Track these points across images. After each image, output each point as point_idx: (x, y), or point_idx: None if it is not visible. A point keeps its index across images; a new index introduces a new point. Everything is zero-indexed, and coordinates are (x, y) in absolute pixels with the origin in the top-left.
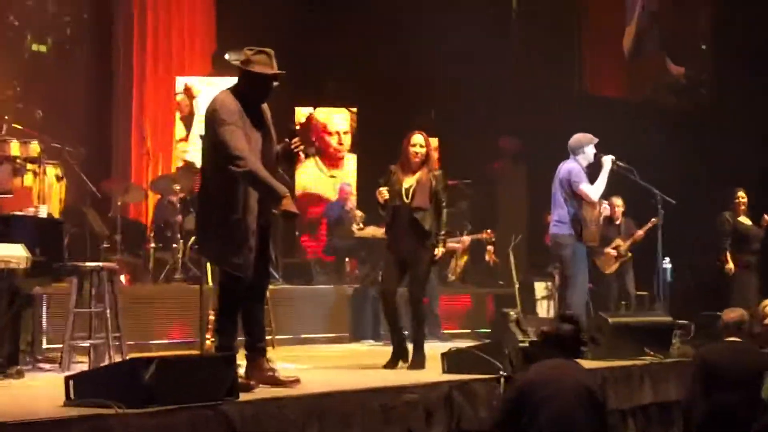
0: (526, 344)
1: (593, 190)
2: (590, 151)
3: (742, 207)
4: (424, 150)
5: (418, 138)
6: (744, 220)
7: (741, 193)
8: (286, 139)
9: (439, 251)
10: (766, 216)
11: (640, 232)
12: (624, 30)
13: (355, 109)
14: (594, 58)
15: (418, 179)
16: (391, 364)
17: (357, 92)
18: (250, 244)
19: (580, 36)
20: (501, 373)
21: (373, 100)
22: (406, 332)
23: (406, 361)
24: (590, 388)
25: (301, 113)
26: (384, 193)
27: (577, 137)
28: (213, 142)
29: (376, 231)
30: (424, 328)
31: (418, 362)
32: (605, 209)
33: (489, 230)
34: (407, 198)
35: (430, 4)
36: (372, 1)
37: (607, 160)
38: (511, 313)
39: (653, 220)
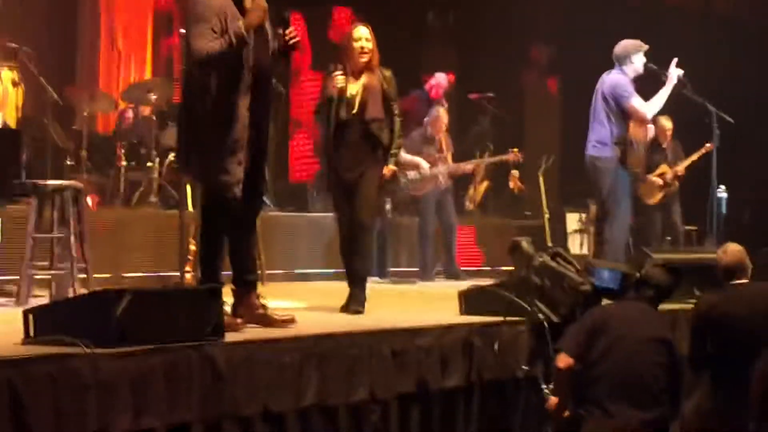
0: (588, 287)
1: (647, 107)
2: (639, 60)
3: None
4: (371, 45)
5: (363, 31)
6: None
7: None
8: (279, 31)
9: (388, 170)
10: None
11: (693, 158)
12: None
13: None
14: None
15: (365, 84)
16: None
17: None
18: (238, 158)
19: None
20: (552, 319)
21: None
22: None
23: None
24: (669, 341)
25: None
26: (340, 80)
27: (624, 44)
28: (187, 41)
29: None
30: (369, 262)
31: (356, 303)
32: (650, 130)
33: (516, 150)
34: (356, 108)
35: None
36: None
37: (673, 74)
38: (524, 243)
39: (707, 145)
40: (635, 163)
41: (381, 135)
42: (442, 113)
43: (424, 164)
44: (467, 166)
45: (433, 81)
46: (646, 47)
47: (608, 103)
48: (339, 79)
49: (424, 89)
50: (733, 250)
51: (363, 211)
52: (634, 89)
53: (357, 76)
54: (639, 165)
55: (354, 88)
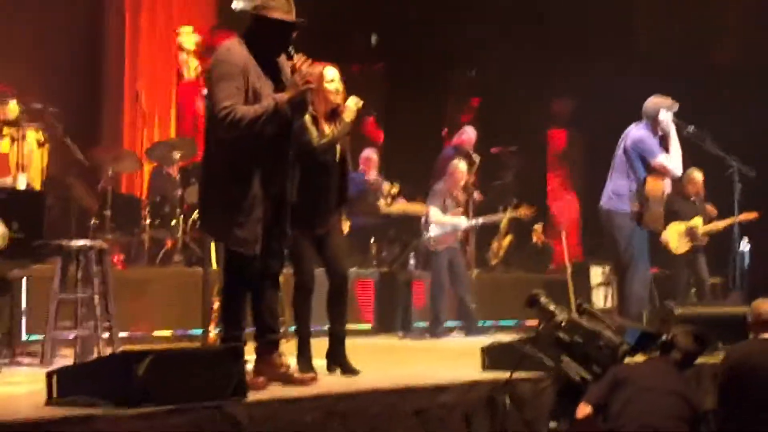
0: (627, 347)
1: (675, 163)
2: (667, 118)
3: None
4: (342, 87)
5: (334, 72)
6: None
7: None
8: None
9: (347, 225)
10: None
11: (733, 221)
12: None
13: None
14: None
15: (338, 129)
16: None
17: (384, 46)
18: (257, 216)
19: None
20: (584, 376)
21: (402, 55)
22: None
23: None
24: (690, 398)
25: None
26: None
27: (654, 100)
28: (211, 101)
29: (407, 206)
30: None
31: (338, 359)
32: (667, 186)
33: (529, 206)
34: (337, 155)
35: None
36: None
37: (669, 121)
38: (542, 297)
39: (754, 213)
40: (651, 221)
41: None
42: (460, 166)
43: (463, 222)
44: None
45: (464, 135)
46: (676, 106)
47: (630, 157)
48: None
49: (453, 145)
50: (763, 304)
51: (343, 260)
52: (658, 145)
53: (327, 119)
54: (655, 222)
55: (329, 131)
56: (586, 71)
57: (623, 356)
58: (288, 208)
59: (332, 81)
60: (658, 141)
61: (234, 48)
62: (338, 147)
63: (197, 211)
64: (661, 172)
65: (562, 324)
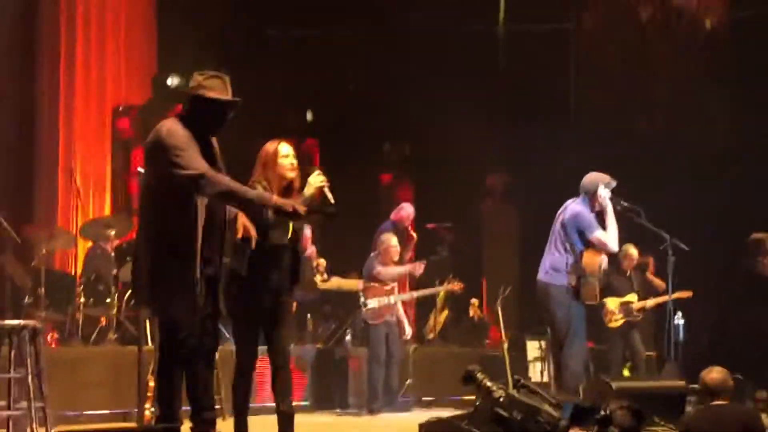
0: (566, 423)
1: (611, 239)
2: (605, 193)
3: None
4: (296, 162)
5: (288, 148)
6: None
7: None
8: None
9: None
10: None
11: (666, 299)
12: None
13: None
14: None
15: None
16: None
17: (317, 122)
18: (195, 294)
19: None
20: None
21: (337, 131)
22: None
23: None
24: None
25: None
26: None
27: (592, 176)
28: (159, 175)
29: (343, 282)
30: None
31: None
32: (604, 261)
33: (456, 281)
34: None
35: (403, 20)
36: (339, 15)
37: (607, 197)
38: (478, 373)
39: (684, 293)
40: (589, 296)
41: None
42: (391, 240)
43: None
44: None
45: (402, 211)
46: (614, 183)
47: (567, 232)
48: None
49: (391, 221)
50: (716, 372)
51: (286, 343)
52: (595, 221)
53: (282, 195)
54: (592, 297)
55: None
56: (521, 145)
57: (563, 430)
58: (220, 285)
59: (287, 156)
60: (594, 216)
61: (177, 125)
62: (290, 225)
63: (132, 287)
64: (598, 247)
65: (501, 400)
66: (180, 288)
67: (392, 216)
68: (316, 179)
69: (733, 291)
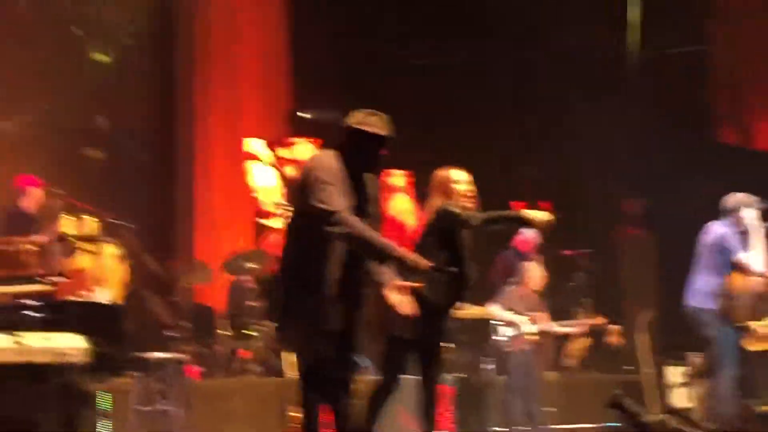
0: None
1: (755, 261)
2: (749, 215)
3: None
4: (474, 190)
5: (462, 174)
6: None
7: None
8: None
9: None
10: None
11: None
12: None
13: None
14: (732, 101)
15: None
16: None
17: (457, 149)
18: (332, 328)
19: (713, 74)
20: None
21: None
22: None
23: None
24: None
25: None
26: None
27: (735, 197)
28: (304, 206)
29: (477, 310)
30: None
31: None
32: (757, 283)
33: (600, 317)
34: None
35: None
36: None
37: (752, 218)
38: (625, 398)
39: None
40: (740, 317)
41: None
42: (533, 269)
43: (524, 322)
44: (558, 329)
45: (520, 236)
46: (760, 203)
47: (713, 254)
48: None
49: (512, 246)
50: None
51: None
52: (739, 243)
53: None
54: (744, 318)
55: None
56: (657, 170)
57: None
58: (361, 315)
59: (461, 182)
60: (739, 238)
61: (331, 159)
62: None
63: (271, 320)
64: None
65: (652, 426)
66: (313, 319)
67: (514, 242)
68: (545, 216)
69: None
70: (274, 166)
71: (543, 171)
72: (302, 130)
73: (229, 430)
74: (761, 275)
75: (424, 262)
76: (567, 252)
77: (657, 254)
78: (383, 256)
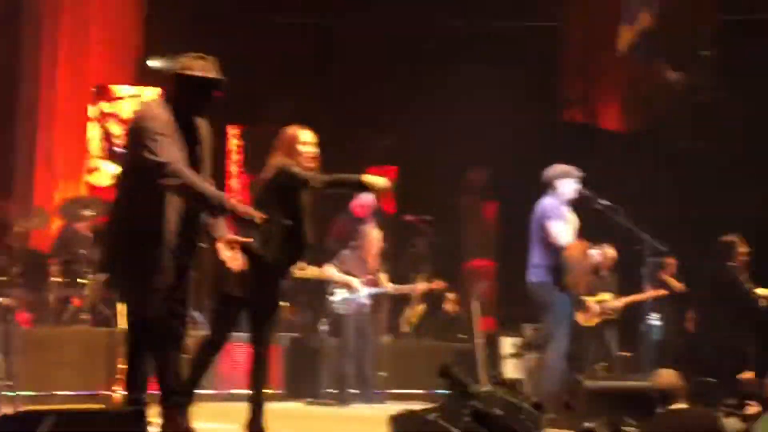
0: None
1: (561, 231)
2: (567, 186)
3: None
4: (317, 152)
5: (309, 134)
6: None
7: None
8: None
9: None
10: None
11: (641, 297)
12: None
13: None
14: (579, 78)
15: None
16: None
17: (301, 111)
18: (162, 282)
19: (561, 52)
20: None
21: (320, 121)
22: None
23: None
24: None
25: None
26: None
27: (552, 169)
28: (136, 158)
29: (319, 272)
30: None
31: (257, 427)
32: (595, 255)
33: (439, 281)
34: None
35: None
36: (329, 6)
37: (569, 190)
38: (454, 368)
39: (658, 291)
40: (572, 284)
41: None
42: (372, 233)
43: (355, 283)
44: (406, 291)
45: (356, 201)
46: (575, 174)
47: (538, 227)
48: None
49: (349, 211)
50: (666, 375)
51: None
52: (563, 214)
53: None
54: (577, 286)
55: None
56: (501, 140)
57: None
58: (190, 269)
59: (306, 143)
60: (561, 209)
61: (158, 108)
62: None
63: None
64: (577, 238)
65: (479, 395)
66: (147, 272)
67: (352, 207)
68: (383, 182)
69: (702, 293)
70: (97, 120)
71: (394, 138)
72: (151, 79)
73: (56, 377)
74: (564, 247)
75: (257, 214)
76: (409, 218)
77: (498, 226)
78: (214, 206)
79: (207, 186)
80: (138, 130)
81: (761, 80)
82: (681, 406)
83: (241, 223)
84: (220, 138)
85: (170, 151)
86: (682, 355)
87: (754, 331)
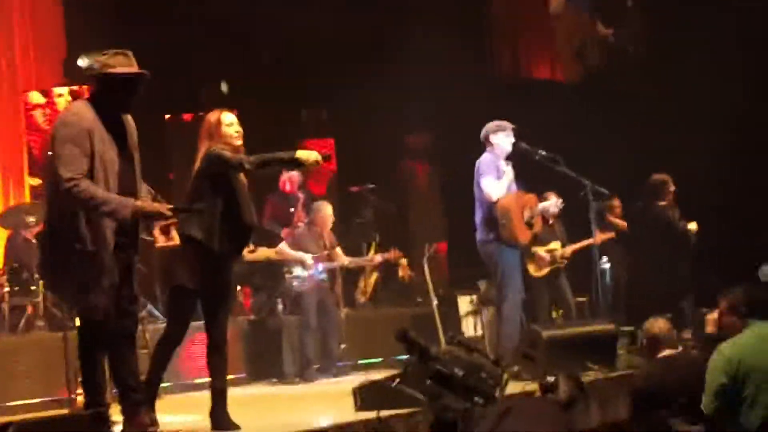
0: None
1: (492, 187)
2: (502, 141)
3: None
4: (241, 130)
5: (231, 116)
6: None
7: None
8: None
9: None
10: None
11: (583, 244)
12: None
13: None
14: (509, 33)
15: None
16: None
17: (235, 91)
18: (107, 282)
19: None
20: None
21: (253, 98)
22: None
23: None
24: None
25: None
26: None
27: (487, 126)
28: (54, 164)
29: (269, 252)
30: None
31: (220, 414)
32: (551, 206)
33: (395, 249)
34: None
35: None
36: None
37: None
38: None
39: (605, 234)
40: (510, 237)
41: None
42: (325, 209)
43: (309, 259)
44: (362, 263)
45: (284, 176)
46: (508, 127)
47: (477, 184)
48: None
49: (278, 190)
50: (662, 323)
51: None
52: (497, 169)
53: None
54: (516, 238)
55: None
56: (438, 102)
57: (505, 384)
58: (134, 266)
59: (231, 124)
60: (496, 164)
61: (80, 110)
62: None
63: (41, 277)
64: (510, 191)
65: (439, 356)
66: (88, 276)
67: (280, 184)
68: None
69: (642, 234)
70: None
71: (329, 108)
72: (81, 79)
73: (14, 388)
74: (494, 201)
75: (163, 209)
76: (354, 188)
77: (441, 187)
78: (119, 216)
79: (108, 197)
80: (52, 138)
81: (689, 28)
82: (671, 352)
83: (150, 219)
84: (159, 130)
85: (75, 164)
86: (633, 297)
87: (687, 260)
